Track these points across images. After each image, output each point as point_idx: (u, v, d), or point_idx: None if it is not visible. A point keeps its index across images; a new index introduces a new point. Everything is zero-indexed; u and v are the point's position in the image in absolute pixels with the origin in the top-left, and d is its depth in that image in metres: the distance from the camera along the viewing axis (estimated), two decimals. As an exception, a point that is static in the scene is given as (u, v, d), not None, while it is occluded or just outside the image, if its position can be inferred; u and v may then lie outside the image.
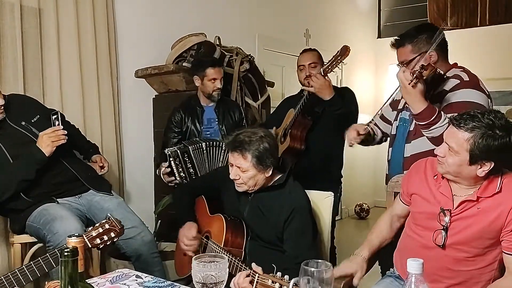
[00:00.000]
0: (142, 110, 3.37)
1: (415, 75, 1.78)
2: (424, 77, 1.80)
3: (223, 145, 2.66)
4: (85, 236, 1.59)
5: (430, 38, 2.01)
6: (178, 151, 2.65)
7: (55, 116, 2.21)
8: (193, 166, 2.67)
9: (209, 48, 3.29)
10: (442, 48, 2.06)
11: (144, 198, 3.35)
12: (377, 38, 6.05)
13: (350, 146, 2.28)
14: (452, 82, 1.99)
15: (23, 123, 2.25)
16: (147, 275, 1.61)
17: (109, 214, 1.68)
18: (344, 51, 2.52)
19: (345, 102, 2.67)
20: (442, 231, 1.55)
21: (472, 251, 1.54)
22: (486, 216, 1.50)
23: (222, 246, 1.90)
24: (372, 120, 2.33)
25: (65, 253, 0.85)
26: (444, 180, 1.60)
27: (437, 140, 1.87)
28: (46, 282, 1.38)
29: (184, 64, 3.17)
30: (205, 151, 2.68)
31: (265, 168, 1.89)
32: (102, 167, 2.57)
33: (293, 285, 1.28)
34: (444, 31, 2.04)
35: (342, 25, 5.43)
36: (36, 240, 2.27)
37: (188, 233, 2.01)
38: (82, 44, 2.93)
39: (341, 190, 3.01)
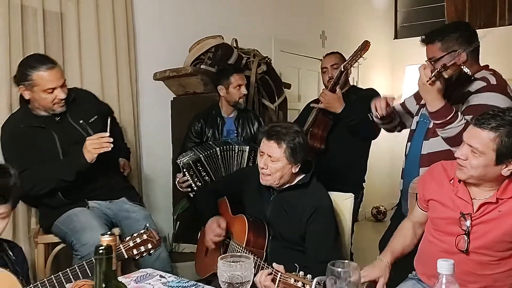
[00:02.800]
0: (161, 112, 3.40)
1: (433, 74, 1.76)
2: (446, 76, 1.78)
3: (236, 148, 2.68)
4: (122, 245, 1.56)
5: (461, 37, 1.96)
6: (190, 161, 2.63)
7: (109, 121, 2.16)
8: (208, 174, 2.66)
9: (227, 50, 3.30)
10: (473, 49, 2.00)
11: (162, 200, 3.38)
12: (394, 39, 6.01)
13: (376, 117, 2.21)
14: (478, 84, 1.95)
15: (81, 121, 2.25)
16: (170, 275, 1.63)
17: (147, 225, 1.66)
18: (364, 46, 2.55)
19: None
20: (464, 235, 1.52)
21: (496, 255, 1.52)
22: (508, 219, 1.47)
23: (244, 246, 1.90)
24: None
25: (100, 251, 0.87)
26: (461, 184, 1.57)
27: (451, 141, 1.84)
28: (73, 280, 1.40)
29: (202, 66, 3.19)
30: (219, 156, 2.67)
31: (295, 162, 1.90)
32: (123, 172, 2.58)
33: (316, 284, 1.28)
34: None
35: (358, 26, 5.41)
36: (60, 240, 2.30)
37: (215, 227, 2.02)
38: (102, 47, 2.98)
39: (363, 195, 2.97)
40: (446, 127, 1.83)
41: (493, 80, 1.95)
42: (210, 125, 2.86)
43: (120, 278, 1.58)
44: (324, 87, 2.78)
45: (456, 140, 1.74)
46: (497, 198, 1.48)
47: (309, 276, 1.38)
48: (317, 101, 2.92)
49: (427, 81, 1.77)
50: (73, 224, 2.15)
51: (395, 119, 2.32)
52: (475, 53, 2.02)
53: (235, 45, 3.46)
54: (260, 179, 1.95)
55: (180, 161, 2.66)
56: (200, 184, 2.65)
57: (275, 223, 1.95)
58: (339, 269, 1.10)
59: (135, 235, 1.60)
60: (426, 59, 2.05)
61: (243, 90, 2.85)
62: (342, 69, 2.60)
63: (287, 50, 4.44)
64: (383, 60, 5.83)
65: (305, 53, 4.51)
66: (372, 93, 2.86)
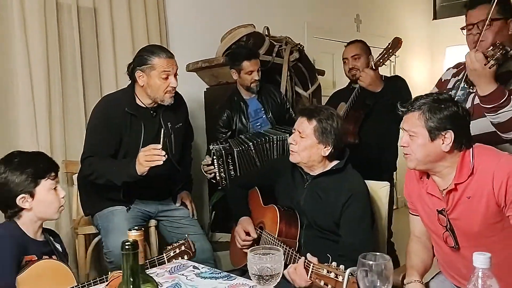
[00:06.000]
0: (194, 103, 3.41)
1: (495, 56, 1.62)
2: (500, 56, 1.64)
3: (275, 139, 2.64)
4: (165, 254, 1.69)
5: None
6: (223, 151, 2.61)
7: (162, 133, 2.03)
8: (235, 169, 2.63)
9: (258, 39, 3.27)
10: None
11: (198, 190, 3.41)
12: (433, 19, 5.78)
13: None
14: None
15: (169, 124, 2.27)
16: (203, 265, 1.64)
17: (186, 235, 1.74)
18: (396, 44, 2.43)
19: (397, 90, 2.63)
20: (449, 231, 1.51)
21: (489, 240, 1.46)
22: (480, 202, 1.43)
23: (276, 236, 1.90)
24: None
25: (126, 247, 0.88)
26: (430, 179, 1.56)
27: (503, 126, 1.72)
28: (109, 272, 1.44)
29: (233, 56, 3.18)
30: (253, 151, 2.63)
31: (324, 142, 1.87)
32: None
33: (349, 275, 1.26)
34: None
35: (395, 8, 5.23)
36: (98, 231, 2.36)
37: (241, 232, 2.05)
38: (135, 41, 3.02)
39: (394, 181, 2.95)
40: (499, 112, 1.69)
41: None
42: (235, 112, 2.85)
43: (154, 269, 1.62)
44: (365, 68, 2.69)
45: (509, 125, 1.67)
46: (455, 184, 1.47)
47: (342, 266, 1.37)
48: (345, 89, 2.88)
49: (486, 65, 1.63)
50: (107, 223, 2.19)
51: None
52: None
53: (266, 33, 3.42)
54: (290, 158, 1.95)
55: (213, 147, 2.65)
56: (223, 176, 2.63)
57: (309, 210, 1.92)
58: (370, 262, 1.07)
59: (175, 245, 1.71)
60: (468, 24, 1.88)
61: (255, 76, 2.80)
62: (374, 67, 2.51)
63: (320, 36, 4.36)
64: (422, 42, 5.63)
65: (339, 38, 4.40)
66: (398, 81, 2.83)
